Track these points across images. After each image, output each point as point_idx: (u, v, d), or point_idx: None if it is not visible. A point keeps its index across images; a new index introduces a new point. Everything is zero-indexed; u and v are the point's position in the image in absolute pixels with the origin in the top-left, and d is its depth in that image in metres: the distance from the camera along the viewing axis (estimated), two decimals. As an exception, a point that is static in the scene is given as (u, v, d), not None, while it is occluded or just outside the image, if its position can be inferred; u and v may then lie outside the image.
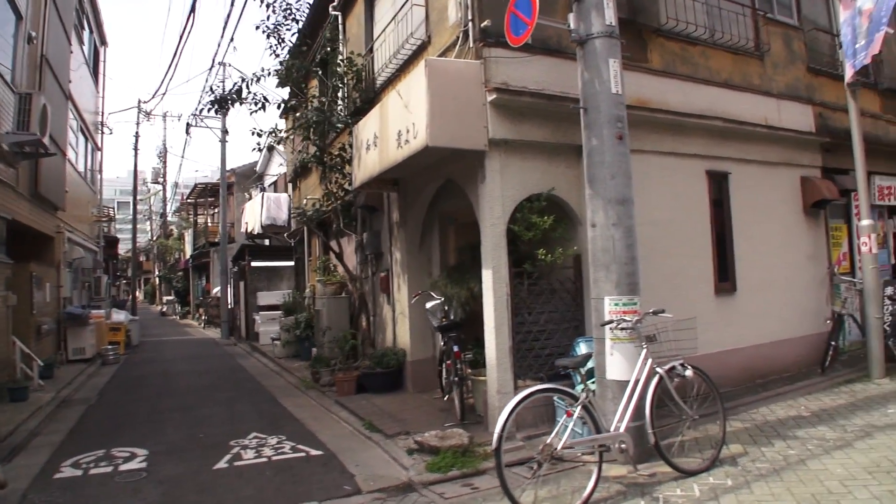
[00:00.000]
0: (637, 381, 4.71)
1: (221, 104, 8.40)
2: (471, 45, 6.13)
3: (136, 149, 22.32)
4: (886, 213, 10.11)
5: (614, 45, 5.31)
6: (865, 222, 7.67)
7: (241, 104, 8.47)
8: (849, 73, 7.58)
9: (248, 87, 8.43)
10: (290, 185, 14.71)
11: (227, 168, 24.80)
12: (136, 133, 22.97)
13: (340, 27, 10.52)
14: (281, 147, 13.30)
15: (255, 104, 9.10)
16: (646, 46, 7.10)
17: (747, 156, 7.78)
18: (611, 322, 4.99)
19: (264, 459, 5.88)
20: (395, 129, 6.46)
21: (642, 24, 7.02)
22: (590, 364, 5.23)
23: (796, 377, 7.88)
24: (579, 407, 4.27)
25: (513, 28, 5.35)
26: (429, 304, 7.13)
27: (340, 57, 9.36)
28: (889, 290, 8.82)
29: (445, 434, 5.63)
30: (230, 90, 8.48)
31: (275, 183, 20.49)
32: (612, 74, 5.22)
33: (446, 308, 7.08)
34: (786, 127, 8.16)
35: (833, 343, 7.98)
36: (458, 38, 6.35)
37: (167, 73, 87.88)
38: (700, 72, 7.51)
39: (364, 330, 9.29)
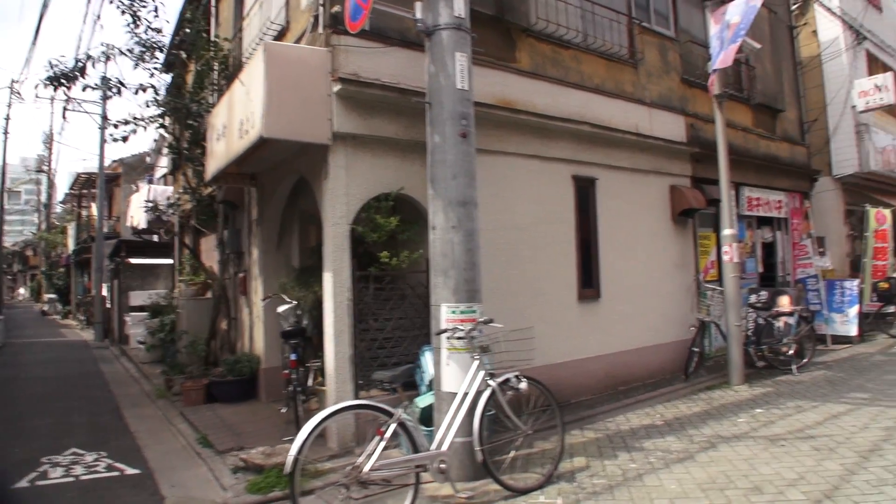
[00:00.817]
0: (466, 395, 4.42)
1: (61, 80, 7.55)
2: (320, 32, 5.69)
3: (5, 132, 20.35)
4: (755, 222, 10.45)
5: (462, 39, 5.01)
6: (727, 231, 7.79)
7: (83, 83, 7.64)
8: (714, 84, 7.68)
9: (93, 64, 7.63)
10: (170, 178, 13.77)
11: (117, 158, 23.23)
12: (7, 116, 20.96)
13: (213, 10, 9.86)
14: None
15: (110, 88, 8.30)
16: (514, 46, 6.90)
17: (616, 162, 7.74)
18: (446, 331, 4.68)
19: (71, 479, 5.24)
20: (238, 119, 5.94)
21: (511, 23, 6.81)
22: (428, 377, 4.92)
23: (660, 384, 7.92)
24: (394, 425, 3.92)
25: (352, 12, 4.96)
26: (280, 308, 6.64)
27: (208, 41, 8.69)
28: (753, 298, 9.09)
29: (274, 450, 5.16)
30: (73, 67, 7.64)
31: (164, 175, 19.27)
32: (457, 69, 4.92)
33: (299, 313, 6.61)
34: (657, 136, 8.21)
35: (696, 349, 8.08)
36: (310, 23, 5.91)
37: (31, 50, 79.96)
38: (571, 75, 7.40)
39: (224, 334, 8.66)
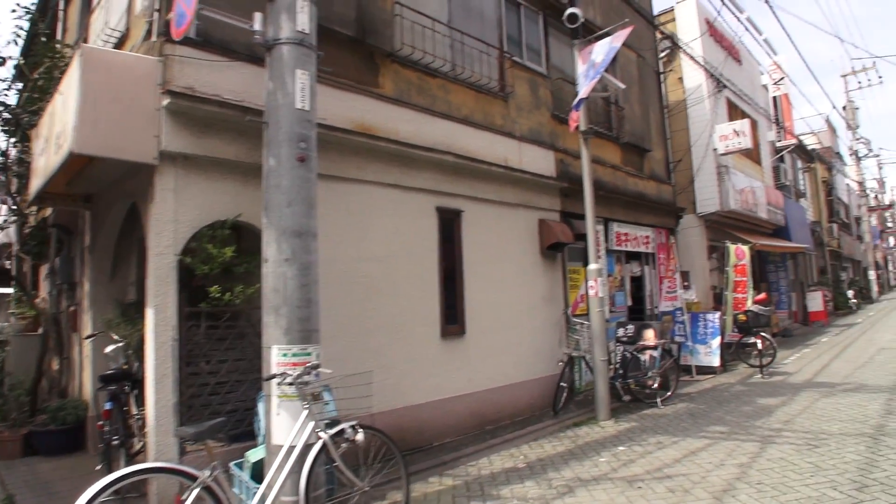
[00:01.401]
0: (293, 449, 3.93)
1: None
2: (153, 40, 5.13)
3: None
4: (624, 257, 10.71)
5: (306, 56, 4.63)
6: (592, 266, 7.82)
7: None
8: (577, 120, 7.76)
9: None
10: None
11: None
12: None
13: (61, 14, 8.95)
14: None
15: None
16: (377, 70, 6.63)
17: (484, 194, 7.60)
18: (275, 376, 4.18)
19: None
20: (55, 132, 5.22)
21: (373, 47, 6.54)
22: (263, 432, 4.37)
23: (529, 420, 7.75)
24: (197, 490, 3.36)
25: (177, 19, 4.47)
26: (108, 348, 5.84)
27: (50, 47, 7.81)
28: (621, 332, 9.20)
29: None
30: None
31: None
32: (298, 87, 4.53)
33: (129, 353, 5.85)
34: (526, 169, 8.18)
35: (565, 385, 8.01)
36: (145, 30, 5.33)
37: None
38: (438, 105, 7.21)
39: (54, 375, 7.62)
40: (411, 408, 6.42)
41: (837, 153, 37.08)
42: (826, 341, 15.47)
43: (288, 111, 4.49)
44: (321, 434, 4.02)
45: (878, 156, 50.28)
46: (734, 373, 11.07)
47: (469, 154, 7.30)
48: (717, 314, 11.26)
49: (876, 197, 45.11)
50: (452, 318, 7.06)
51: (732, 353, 12.13)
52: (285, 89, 4.51)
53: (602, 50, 7.69)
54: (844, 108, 38.03)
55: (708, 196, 13.59)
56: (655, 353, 8.55)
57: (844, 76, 38.68)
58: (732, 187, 13.86)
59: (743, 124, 13.51)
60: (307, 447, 3.99)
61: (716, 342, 11.04)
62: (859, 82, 45.73)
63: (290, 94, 4.51)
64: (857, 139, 38.64)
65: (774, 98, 19.50)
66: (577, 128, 7.80)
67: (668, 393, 8.59)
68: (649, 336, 8.89)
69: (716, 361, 10.98)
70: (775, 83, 19.42)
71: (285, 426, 4.19)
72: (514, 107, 8.36)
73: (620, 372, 8.47)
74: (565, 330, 8.62)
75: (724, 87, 14.48)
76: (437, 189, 6.98)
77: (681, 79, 14.44)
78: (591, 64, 7.86)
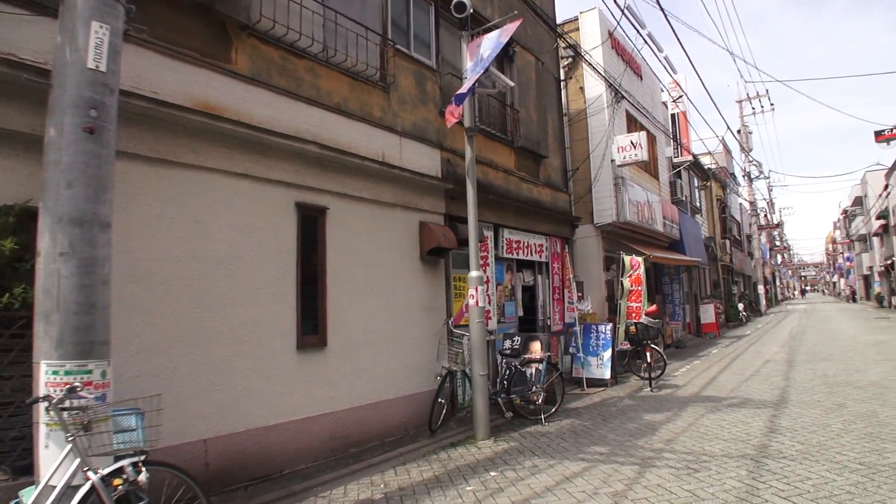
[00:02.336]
0: (53, 490, 3.07)
1: None
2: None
3: None
4: (515, 265, 10.31)
5: (107, 7, 3.78)
6: (473, 273, 7.28)
7: None
8: (458, 115, 7.21)
9: None
10: None
11: None
12: None
13: None
14: None
15: None
16: (230, 44, 5.80)
17: (356, 192, 6.90)
18: (38, 400, 3.30)
19: None
20: None
21: (226, 16, 5.71)
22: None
23: (402, 441, 7.09)
24: None
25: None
26: None
27: None
28: (507, 344, 8.73)
29: None
30: None
31: None
32: (91, 43, 3.67)
33: None
34: (408, 167, 7.56)
35: (443, 401, 7.42)
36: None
37: None
38: (305, 89, 6.47)
39: None
40: (258, 430, 5.59)
41: (732, 174, 39.12)
42: (716, 352, 15.80)
43: (76, 71, 3.63)
44: (90, 474, 3.18)
45: (768, 178, 53.72)
46: (625, 385, 10.90)
47: (339, 146, 6.59)
48: (609, 326, 11.07)
49: (766, 216, 48.05)
50: (312, 329, 6.28)
51: (626, 364, 12.02)
52: (75, 44, 3.65)
53: (490, 44, 7.20)
54: (739, 131, 40.18)
55: (605, 207, 13.52)
56: (541, 367, 8.12)
57: (739, 101, 40.96)
58: (629, 199, 13.87)
59: (640, 136, 13.55)
60: (71, 490, 3.14)
61: (607, 354, 10.83)
62: (752, 108, 48.71)
63: (80, 50, 3.65)
64: (750, 161, 40.99)
65: (673, 115, 20.02)
66: (458, 123, 7.23)
67: (553, 409, 8.18)
68: (535, 348, 8.47)
69: (607, 374, 10.77)
70: (674, 101, 19.94)
71: (54, 462, 3.32)
72: (396, 99, 7.73)
73: (504, 387, 7.98)
74: (447, 342, 8.04)
75: (624, 97, 14.53)
76: (299, 183, 6.20)
77: (582, 88, 14.36)
78: (478, 58, 7.36)
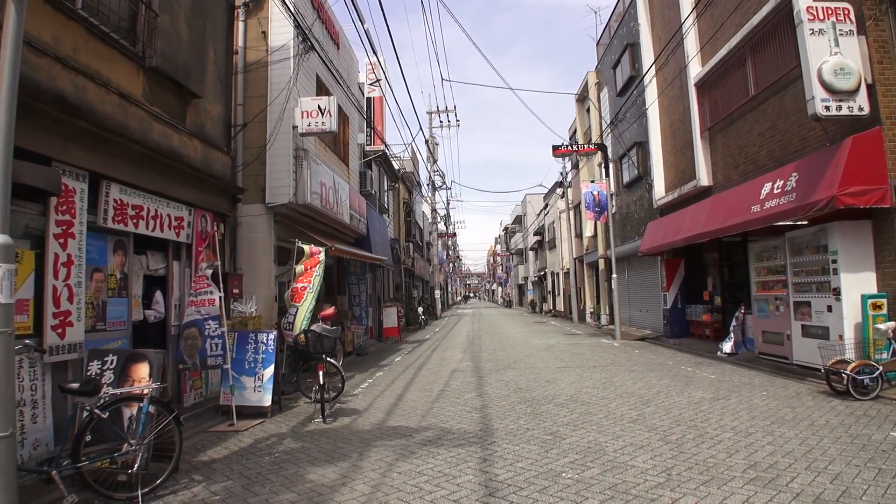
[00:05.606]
0: None
1: None
2: None
3: None
4: (132, 243, 6.80)
5: None
6: (-5, 241, 3.73)
7: None
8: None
9: None
10: None
11: None
12: None
13: None
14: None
15: None
16: None
17: None
18: None
19: None
20: None
21: None
22: None
23: None
24: None
25: None
26: None
27: None
28: (94, 370, 5.27)
29: None
30: None
31: None
32: None
33: None
34: None
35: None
36: None
37: None
38: None
39: None
40: None
41: (419, 182, 40.02)
42: (400, 360, 14.20)
43: None
44: None
45: (450, 189, 57.34)
46: (291, 413, 8.18)
47: None
48: (274, 334, 8.26)
49: (445, 225, 50.89)
50: None
51: (295, 381, 9.35)
52: None
53: None
54: (427, 141, 41.43)
55: (281, 183, 10.68)
56: (145, 408, 4.87)
57: (430, 113, 42.31)
58: (313, 179, 11.29)
59: (330, 102, 11.09)
60: None
61: (269, 372, 7.99)
62: (440, 121, 51.31)
63: None
64: (435, 171, 42.54)
65: (369, 99, 18.22)
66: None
67: (162, 477, 5.01)
68: (140, 375, 5.19)
69: (267, 399, 7.92)
70: (371, 84, 18.17)
71: None
72: None
73: (68, 449, 4.54)
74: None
75: (314, 49, 11.88)
76: None
77: (265, 33, 11.35)
78: None
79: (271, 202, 10.59)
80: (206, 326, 7.26)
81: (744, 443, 5.63)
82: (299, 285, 9.18)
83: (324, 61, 12.84)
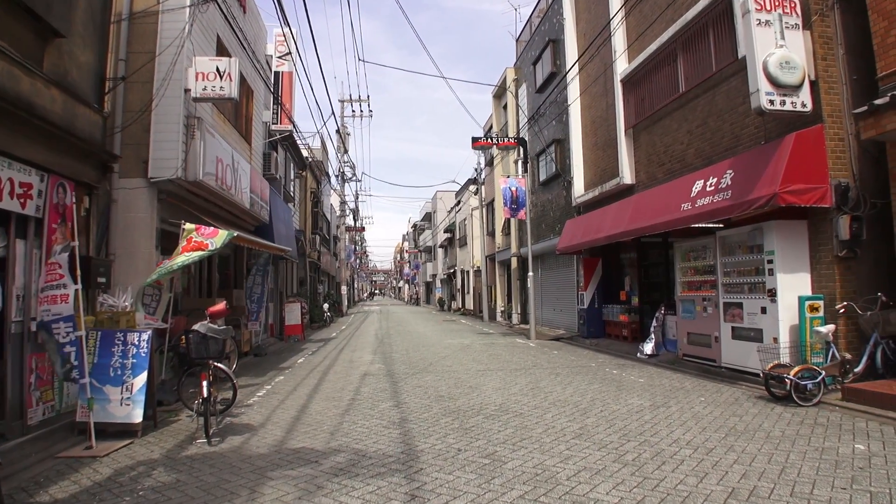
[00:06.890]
0: None
1: None
2: None
3: None
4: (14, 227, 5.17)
5: None
6: None
7: None
8: None
9: None
10: None
11: None
12: None
13: None
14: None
15: None
16: None
17: None
18: None
19: None
20: None
21: None
22: None
23: None
24: None
25: None
26: None
27: None
28: None
29: None
30: None
31: None
32: None
33: None
34: None
35: None
36: None
37: None
38: None
39: None
40: None
41: (327, 173, 38.28)
42: (303, 362, 12.83)
43: None
44: None
45: (359, 181, 55.71)
46: (167, 431, 6.73)
47: None
48: (148, 333, 6.78)
49: (354, 219, 49.17)
50: None
51: (176, 390, 7.86)
52: None
53: None
54: (338, 130, 39.68)
55: (169, 154, 9.07)
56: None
57: (342, 101, 40.56)
58: (207, 152, 9.74)
59: (231, 63, 9.59)
60: None
61: (140, 381, 6.52)
62: (353, 110, 49.52)
63: None
64: (345, 162, 40.87)
65: (277, 73, 16.62)
66: None
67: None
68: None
69: (137, 416, 6.43)
70: (280, 57, 16.57)
71: None
72: None
73: None
74: None
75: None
76: None
77: (153, -20, 9.67)
78: None
79: (155, 176, 8.95)
80: (56, 329, 5.72)
81: (708, 462, 4.92)
82: (163, 271, 7.75)
83: (227, 19, 11.27)
